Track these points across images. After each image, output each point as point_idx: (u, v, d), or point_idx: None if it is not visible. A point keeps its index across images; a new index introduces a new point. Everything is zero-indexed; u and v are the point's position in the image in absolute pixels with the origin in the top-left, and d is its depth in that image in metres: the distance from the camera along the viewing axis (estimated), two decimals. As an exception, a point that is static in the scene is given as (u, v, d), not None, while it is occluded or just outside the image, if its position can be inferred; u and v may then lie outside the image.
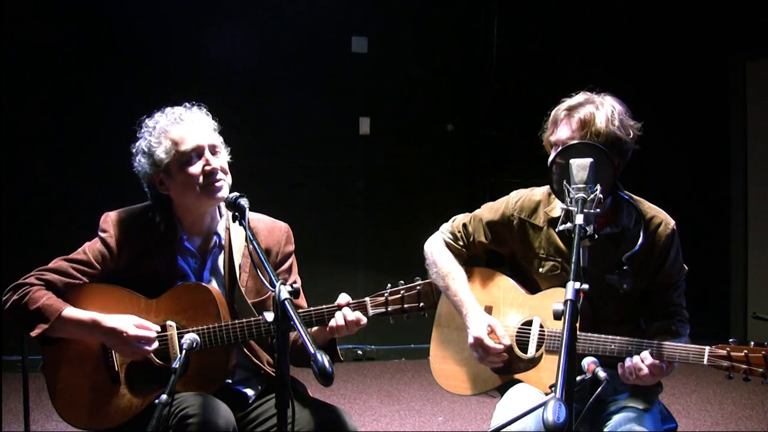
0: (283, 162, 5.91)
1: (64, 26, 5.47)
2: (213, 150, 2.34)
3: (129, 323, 2.22)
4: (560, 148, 2.23)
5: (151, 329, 2.24)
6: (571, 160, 1.99)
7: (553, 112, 2.40)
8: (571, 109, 2.33)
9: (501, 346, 2.40)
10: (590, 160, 1.97)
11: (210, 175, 2.29)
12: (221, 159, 2.36)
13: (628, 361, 2.19)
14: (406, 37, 6.19)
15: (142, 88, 5.36)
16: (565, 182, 1.98)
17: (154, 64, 5.58)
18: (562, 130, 2.33)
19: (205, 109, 2.43)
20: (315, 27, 5.97)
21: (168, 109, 2.39)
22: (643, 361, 2.17)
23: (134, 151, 2.39)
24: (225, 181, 2.32)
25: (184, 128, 2.32)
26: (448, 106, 6.35)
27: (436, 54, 6.25)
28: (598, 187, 1.93)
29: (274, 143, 5.86)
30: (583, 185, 1.93)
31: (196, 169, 2.29)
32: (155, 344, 2.23)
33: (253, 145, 5.47)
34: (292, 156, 5.96)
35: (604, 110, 2.30)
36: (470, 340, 2.44)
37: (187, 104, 2.41)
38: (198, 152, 2.31)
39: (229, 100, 5.60)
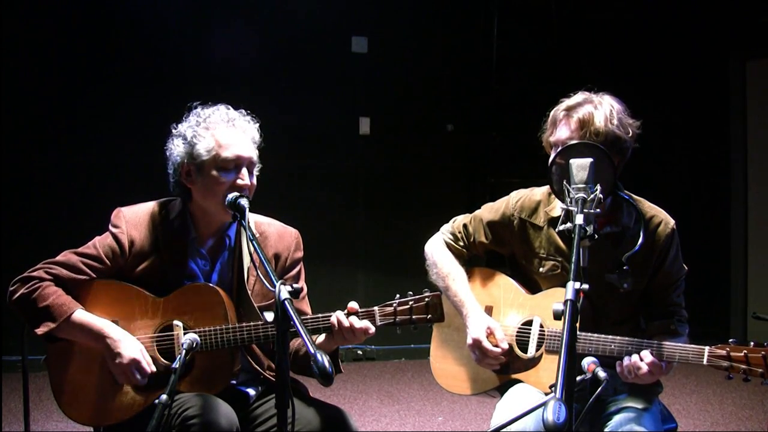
0: (283, 162, 5.90)
1: (67, 26, 5.48)
2: (251, 167, 2.33)
3: (133, 349, 2.19)
4: (560, 148, 2.24)
5: (150, 365, 2.20)
6: (571, 160, 1.99)
7: (551, 113, 2.40)
8: (569, 109, 2.33)
9: (498, 350, 2.40)
10: (590, 160, 1.97)
11: (237, 191, 2.26)
12: (254, 177, 2.35)
13: (626, 360, 2.19)
14: (406, 37, 6.18)
15: (144, 88, 5.37)
16: (565, 182, 1.98)
17: (155, 64, 5.58)
18: (561, 131, 2.33)
19: (257, 124, 2.41)
20: (315, 27, 5.96)
21: (223, 107, 2.37)
22: (642, 359, 2.17)
23: (175, 132, 2.35)
24: (247, 201, 2.26)
25: (233, 134, 2.31)
26: (448, 106, 6.35)
27: (436, 54, 6.25)
28: (598, 187, 1.94)
29: (274, 143, 5.83)
30: (583, 185, 1.93)
31: (228, 178, 2.27)
32: (143, 382, 2.20)
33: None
34: (292, 156, 5.96)
35: (602, 109, 2.30)
36: (469, 341, 2.44)
37: (242, 111, 2.40)
38: (237, 163, 2.29)
39: (229, 100, 5.58)
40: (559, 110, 2.37)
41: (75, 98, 5.48)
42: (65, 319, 2.19)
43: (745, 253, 6.47)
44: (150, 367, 2.21)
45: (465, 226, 2.63)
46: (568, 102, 2.37)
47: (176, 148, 2.33)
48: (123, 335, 2.22)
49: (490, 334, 2.42)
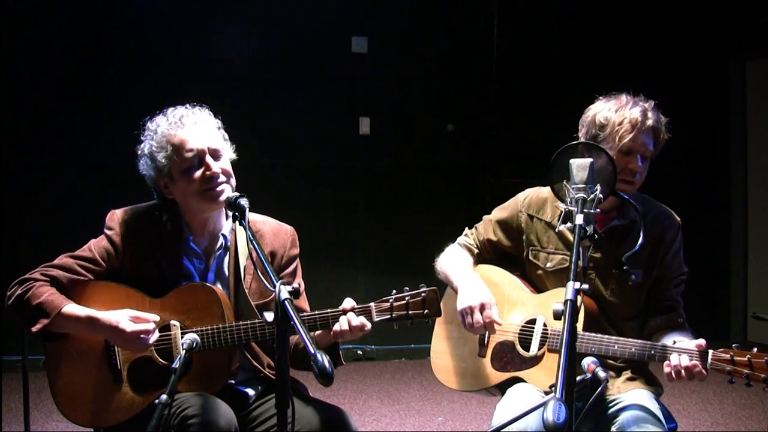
0: (283, 162, 5.91)
1: (67, 26, 5.48)
2: (214, 154, 2.31)
3: (125, 318, 2.20)
4: (561, 148, 2.24)
5: (149, 320, 2.21)
6: (571, 160, 2.01)
7: (619, 113, 2.36)
8: (645, 115, 2.35)
9: (481, 320, 2.40)
10: (590, 160, 1.99)
11: (210, 180, 2.27)
12: (223, 161, 2.33)
13: (675, 359, 2.16)
14: (406, 37, 6.18)
15: (144, 88, 5.36)
16: (565, 182, 2.00)
17: (155, 63, 5.59)
18: (639, 136, 2.34)
19: (207, 109, 2.40)
20: (315, 27, 5.96)
21: (169, 111, 2.36)
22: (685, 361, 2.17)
23: (139, 153, 2.37)
24: (227, 184, 2.29)
25: (185, 132, 2.30)
26: (448, 106, 6.34)
27: (436, 54, 6.25)
28: (598, 187, 1.95)
29: (274, 143, 5.86)
30: (583, 185, 1.95)
31: (196, 174, 2.27)
32: (155, 335, 2.22)
33: (253, 145, 5.44)
34: (292, 156, 5.96)
35: (659, 114, 2.39)
36: (458, 309, 2.45)
37: (188, 105, 2.38)
38: (199, 157, 2.28)
39: (229, 100, 5.61)
40: (631, 112, 2.35)
41: (74, 99, 5.47)
42: (58, 313, 2.19)
43: (745, 253, 6.47)
44: (149, 320, 2.21)
45: (476, 227, 2.71)
46: (630, 104, 2.37)
47: (145, 168, 2.36)
48: (109, 313, 2.21)
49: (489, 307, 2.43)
